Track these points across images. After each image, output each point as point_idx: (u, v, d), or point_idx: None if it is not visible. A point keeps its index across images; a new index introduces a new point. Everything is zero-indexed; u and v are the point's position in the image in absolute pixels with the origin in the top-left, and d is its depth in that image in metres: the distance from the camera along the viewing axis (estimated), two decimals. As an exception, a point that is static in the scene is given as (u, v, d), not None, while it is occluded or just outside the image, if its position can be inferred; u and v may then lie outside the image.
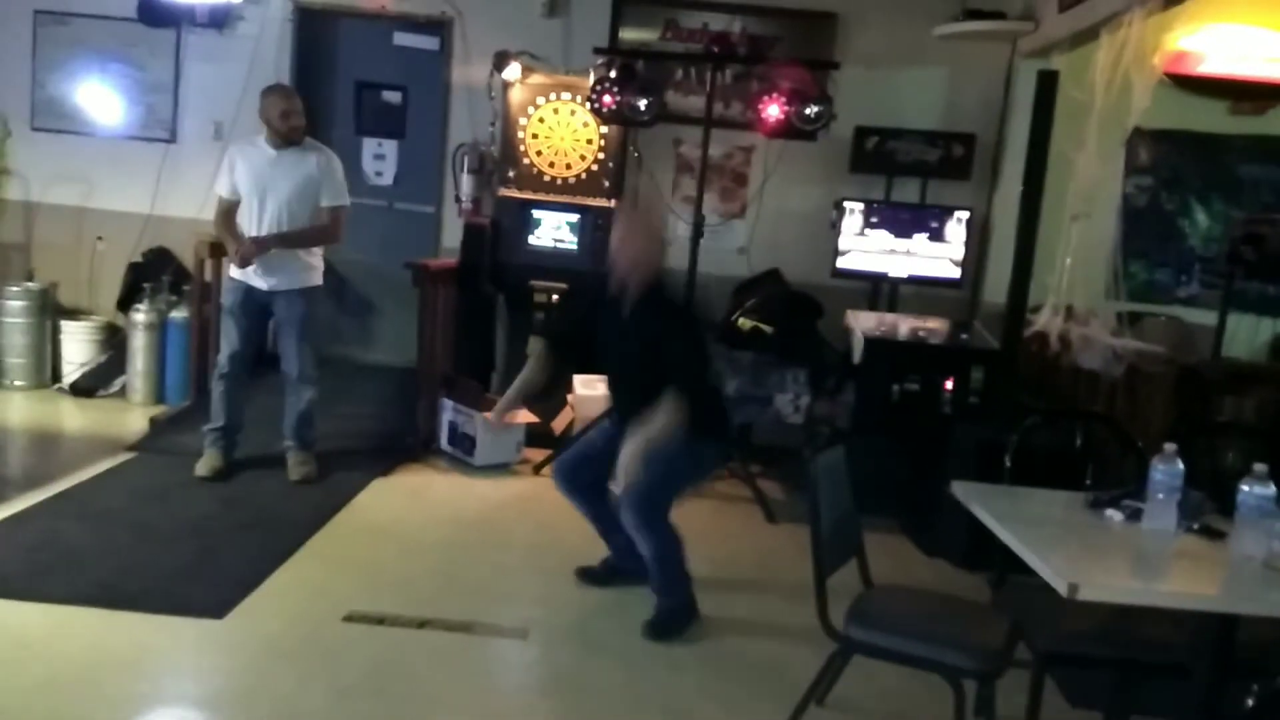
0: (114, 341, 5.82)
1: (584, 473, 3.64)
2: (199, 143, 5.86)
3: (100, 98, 5.95)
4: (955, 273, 5.53)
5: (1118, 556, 2.39)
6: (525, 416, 5.09)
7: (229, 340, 4.48)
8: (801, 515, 3.37)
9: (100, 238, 5.92)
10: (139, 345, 5.63)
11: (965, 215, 5.50)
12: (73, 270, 5.94)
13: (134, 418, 5.24)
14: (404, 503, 4.50)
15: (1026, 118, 5.27)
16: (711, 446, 3.60)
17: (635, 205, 3.82)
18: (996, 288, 5.45)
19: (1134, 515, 2.52)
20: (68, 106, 5.94)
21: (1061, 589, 2.01)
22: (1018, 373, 4.71)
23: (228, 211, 4.43)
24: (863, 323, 4.99)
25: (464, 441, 5.01)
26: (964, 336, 4.96)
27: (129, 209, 5.90)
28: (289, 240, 4.38)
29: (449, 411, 5.11)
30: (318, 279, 4.54)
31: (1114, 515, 2.54)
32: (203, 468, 4.42)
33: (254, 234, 4.36)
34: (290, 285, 4.44)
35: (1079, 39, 4.81)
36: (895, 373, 4.70)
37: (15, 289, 5.73)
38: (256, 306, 4.47)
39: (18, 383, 5.72)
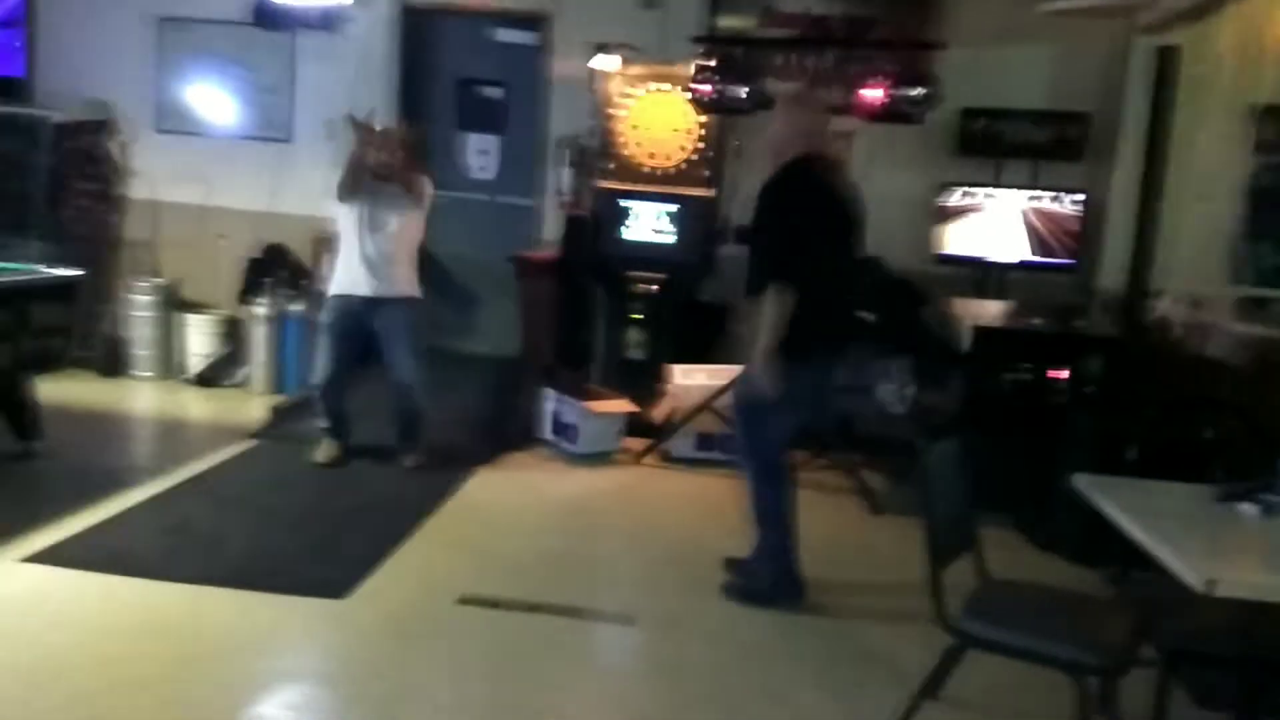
0: (235, 334, 6.09)
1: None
2: (312, 142, 6.05)
3: (219, 100, 6.21)
4: (1067, 257, 5.35)
5: (1252, 552, 2.29)
6: (625, 405, 5.14)
7: (326, 359, 4.56)
8: (905, 507, 3.35)
9: (222, 236, 6.17)
10: (259, 338, 5.89)
11: (1079, 198, 5.32)
12: (195, 266, 6.21)
13: (255, 407, 5.48)
14: (510, 490, 4.61)
15: (1143, 96, 5.09)
16: (797, 369, 3.30)
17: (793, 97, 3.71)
18: (1112, 273, 5.27)
19: (1270, 510, 2.42)
20: (188, 109, 6.22)
21: (1196, 584, 1.94)
22: (1137, 361, 4.53)
23: None
24: (970, 310, 4.88)
25: (566, 430, 5.09)
26: (1079, 323, 4.80)
27: (247, 207, 6.13)
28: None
29: (551, 401, 5.20)
30: (418, 291, 4.65)
31: (1248, 509, 2.44)
32: (319, 455, 4.61)
33: (362, 251, 4.49)
34: (395, 292, 4.54)
35: (1200, 12, 4.60)
36: (1006, 362, 4.57)
37: (142, 284, 6.05)
38: (357, 321, 4.54)
39: (144, 374, 6.04)
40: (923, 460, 2.49)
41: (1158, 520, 2.24)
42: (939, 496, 2.48)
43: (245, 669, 2.89)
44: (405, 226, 4.54)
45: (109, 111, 6.18)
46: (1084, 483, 2.55)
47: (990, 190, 5.42)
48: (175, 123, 6.22)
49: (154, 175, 6.23)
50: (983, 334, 4.62)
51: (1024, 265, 5.41)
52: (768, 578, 3.51)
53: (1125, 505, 2.33)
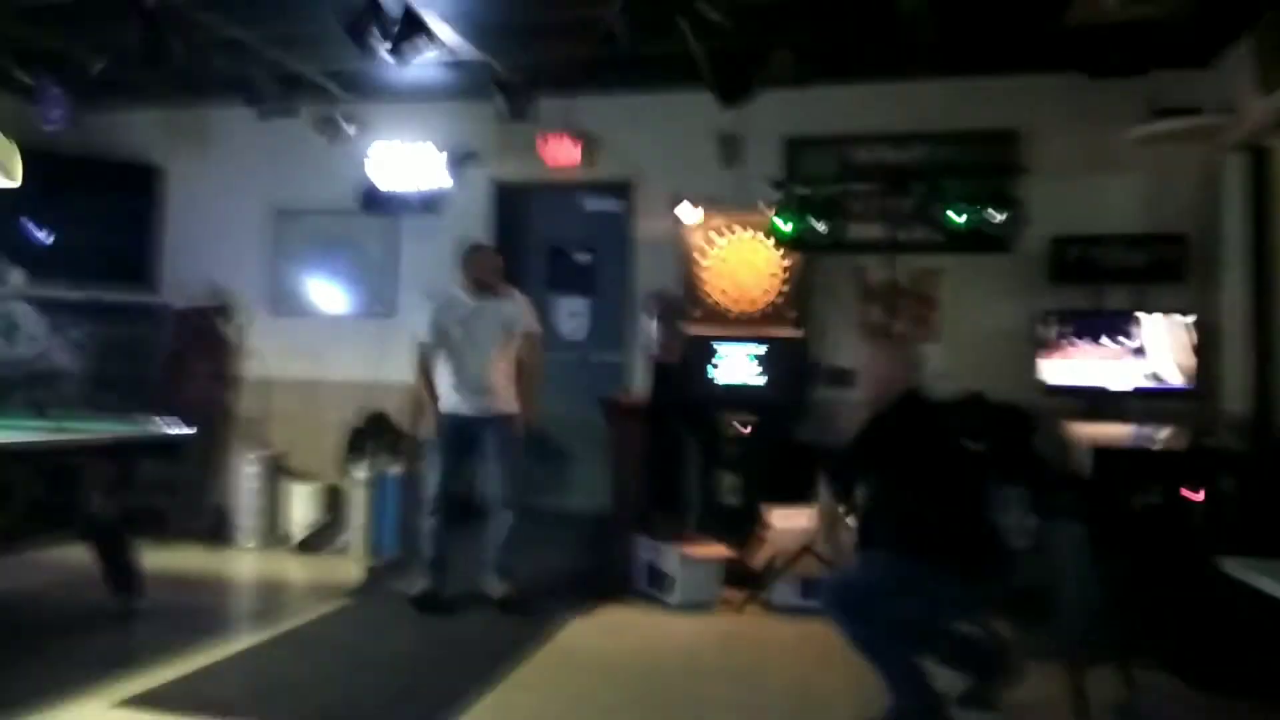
0: (336, 502, 6.16)
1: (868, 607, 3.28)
2: (413, 314, 6.25)
3: (328, 281, 6.56)
4: (1180, 381, 5.07)
5: None
6: (721, 551, 4.93)
7: (436, 471, 4.69)
8: (1036, 651, 3.00)
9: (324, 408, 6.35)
10: (358, 502, 5.94)
11: (1186, 319, 5.10)
12: (301, 437, 6.39)
13: (353, 569, 5.45)
14: (605, 639, 4.38)
15: (1240, 210, 4.95)
16: (911, 566, 3.18)
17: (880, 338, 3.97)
18: (1233, 394, 4.95)
19: None
20: (301, 292, 6.58)
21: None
22: (1271, 480, 4.16)
23: (427, 358, 4.80)
24: (1087, 433, 4.61)
25: (662, 579, 4.89)
26: (1205, 443, 4.47)
27: (352, 378, 6.35)
28: (530, 398, 4.80)
29: (646, 550, 5.03)
30: (517, 408, 4.78)
31: None
32: (414, 588, 4.62)
33: (462, 376, 4.69)
34: (496, 410, 4.68)
35: (1288, 121, 4.51)
36: (1131, 485, 4.25)
37: (251, 456, 6.22)
38: (461, 435, 4.68)
39: (248, 543, 6.11)
40: (1050, 544, 2.28)
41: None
42: (1072, 581, 2.24)
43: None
44: (502, 346, 4.73)
45: (227, 297, 6.61)
46: (1240, 566, 2.27)
47: (1094, 316, 5.25)
48: (288, 305, 6.57)
49: (267, 354, 6.54)
50: (1104, 455, 4.34)
51: (1139, 391, 5.14)
52: (910, 703, 3.15)
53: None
